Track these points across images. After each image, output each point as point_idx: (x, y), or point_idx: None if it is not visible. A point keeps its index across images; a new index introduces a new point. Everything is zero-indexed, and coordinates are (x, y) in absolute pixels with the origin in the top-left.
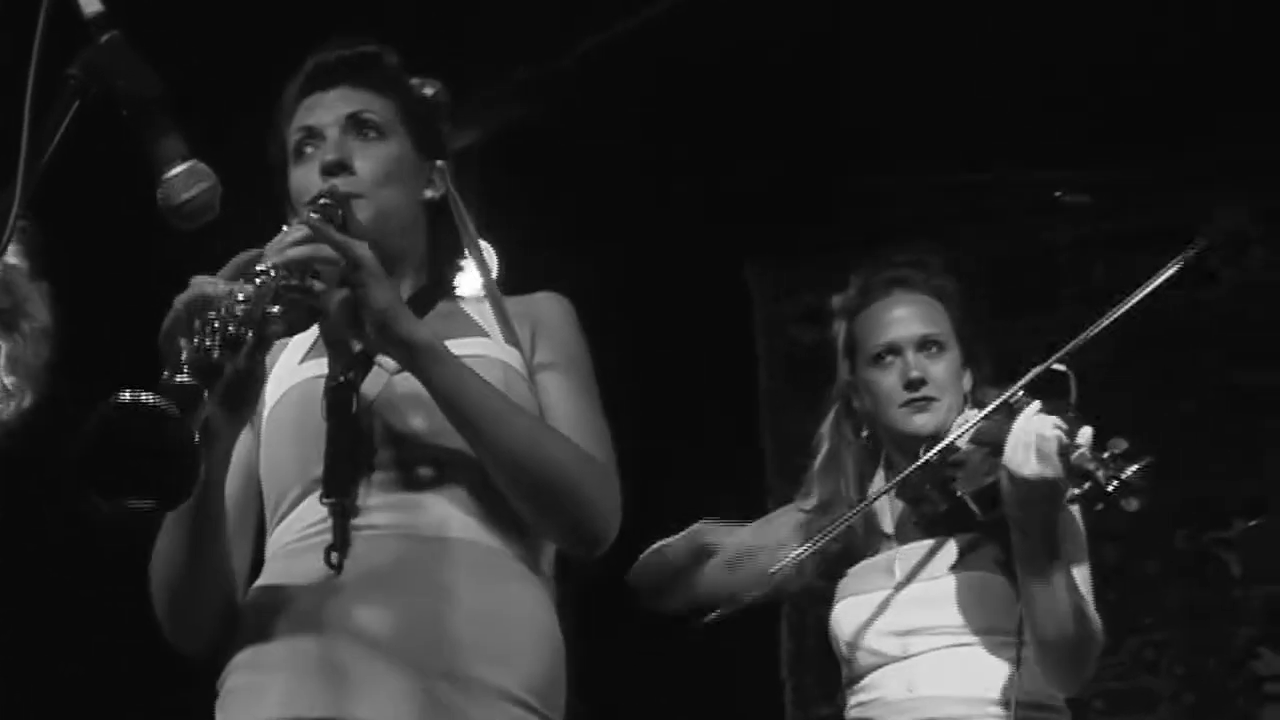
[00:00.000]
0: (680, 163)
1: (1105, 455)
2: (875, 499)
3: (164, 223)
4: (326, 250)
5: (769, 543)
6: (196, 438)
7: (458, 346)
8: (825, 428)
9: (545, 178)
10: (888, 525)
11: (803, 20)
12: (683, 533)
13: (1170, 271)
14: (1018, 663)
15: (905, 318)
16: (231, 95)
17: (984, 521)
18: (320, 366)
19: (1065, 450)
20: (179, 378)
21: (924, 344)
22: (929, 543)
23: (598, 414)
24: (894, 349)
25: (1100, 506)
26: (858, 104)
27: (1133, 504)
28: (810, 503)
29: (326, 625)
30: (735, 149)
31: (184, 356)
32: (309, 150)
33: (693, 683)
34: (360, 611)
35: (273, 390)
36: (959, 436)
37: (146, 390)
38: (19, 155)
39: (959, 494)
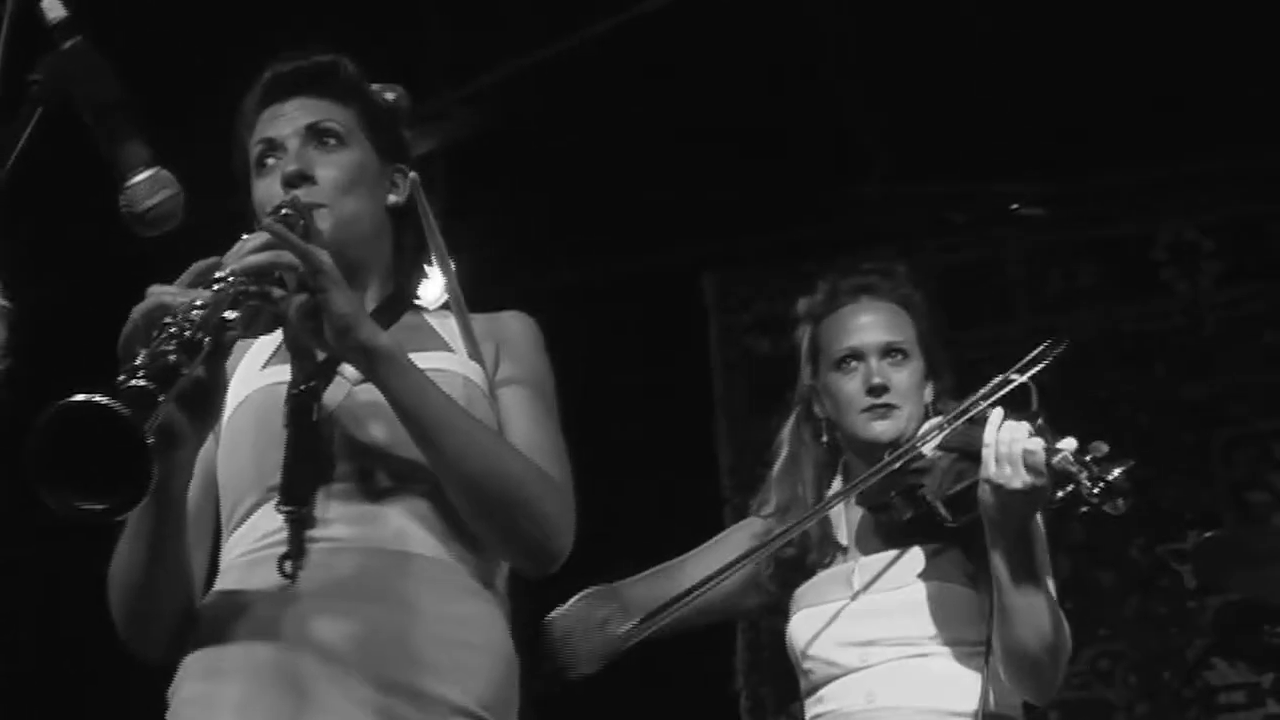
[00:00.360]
0: (638, 173)
1: (1088, 459)
2: (832, 503)
3: (127, 228)
4: (286, 256)
5: (689, 578)
6: (149, 442)
7: (420, 359)
8: (784, 433)
9: (503, 188)
10: (843, 536)
11: (765, 32)
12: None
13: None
14: (985, 674)
15: (870, 324)
16: (193, 101)
17: (953, 527)
18: (282, 373)
19: (1049, 455)
20: (134, 381)
21: (888, 351)
22: (890, 553)
23: (556, 433)
24: (858, 354)
25: (1085, 510)
26: (816, 116)
27: (1119, 505)
28: (768, 509)
29: (282, 635)
30: (693, 160)
31: (139, 361)
32: (270, 162)
33: (648, 694)
34: (315, 623)
35: (233, 395)
36: (925, 443)
37: (101, 393)
38: None
39: (928, 499)
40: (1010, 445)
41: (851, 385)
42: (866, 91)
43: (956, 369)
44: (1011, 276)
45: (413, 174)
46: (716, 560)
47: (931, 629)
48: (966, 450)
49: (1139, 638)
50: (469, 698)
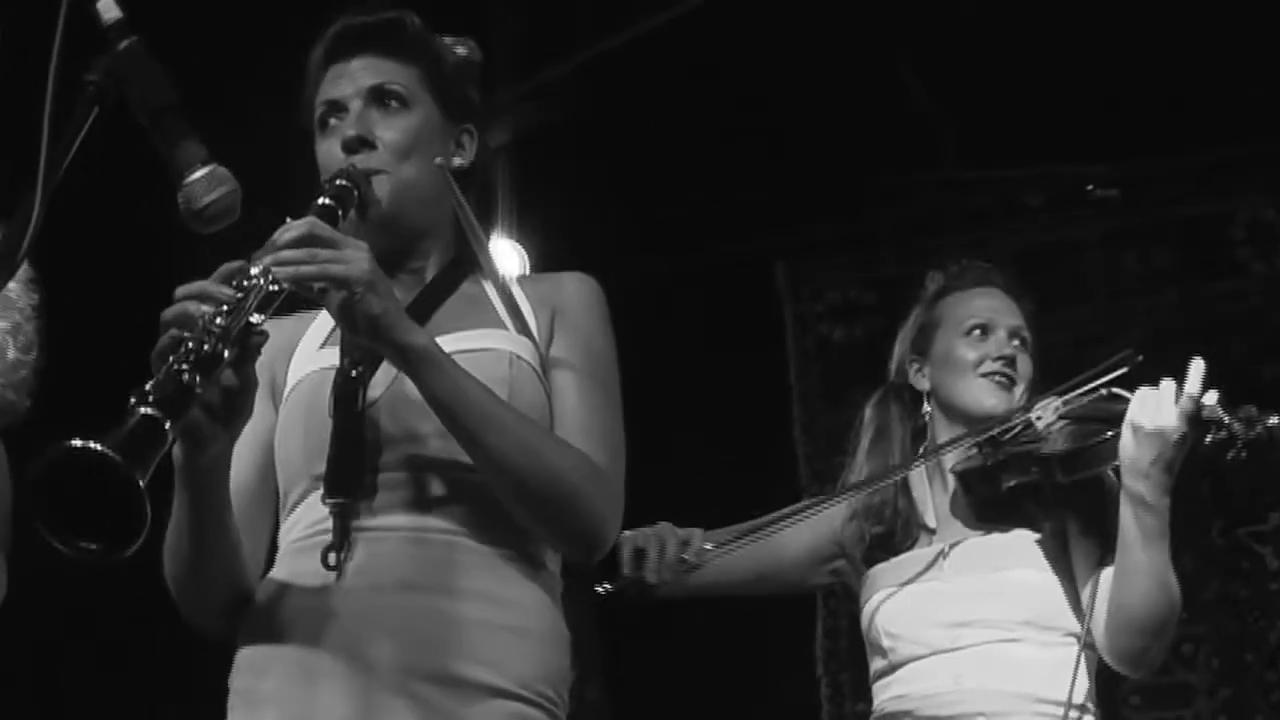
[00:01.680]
0: (709, 163)
1: (1238, 411)
2: (929, 458)
3: (184, 226)
4: (317, 259)
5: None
6: (142, 485)
7: (468, 338)
8: (869, 409)
9: (577, 178)
10: (930, 518)
11: (830, 18)
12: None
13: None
14: (1077, 662)
15: (1003, 308)
16: (250, 99)
17: (1064, 485)
18: (334, 355)
19: (1198, 404)
20: (144, 409)
21: (1015, 334)
22: (983, 536)
23: (610, 414)
24: (988, 327)
25: (1238, 452)
26: (887, 101)
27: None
28: (857, 479)
29: (324, 627)
30: (764, 149)
31: (150, 384)
32: (332, 123)
33: (729, 680)
34: (358, 613)
35: (293, 373)
36: (1035, 415)
37: (95, 437)
38: (39, 161)
39: (1043, 454)
40: (1154, 395)
41: (977, 351)
42: (937, 75)
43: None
44: (1087, 259)
45: (438, 161)
46: (806, 527)
47: (1023, 614)
48: (1095, 416)
49: (1220, 621)
50: (510, 680)
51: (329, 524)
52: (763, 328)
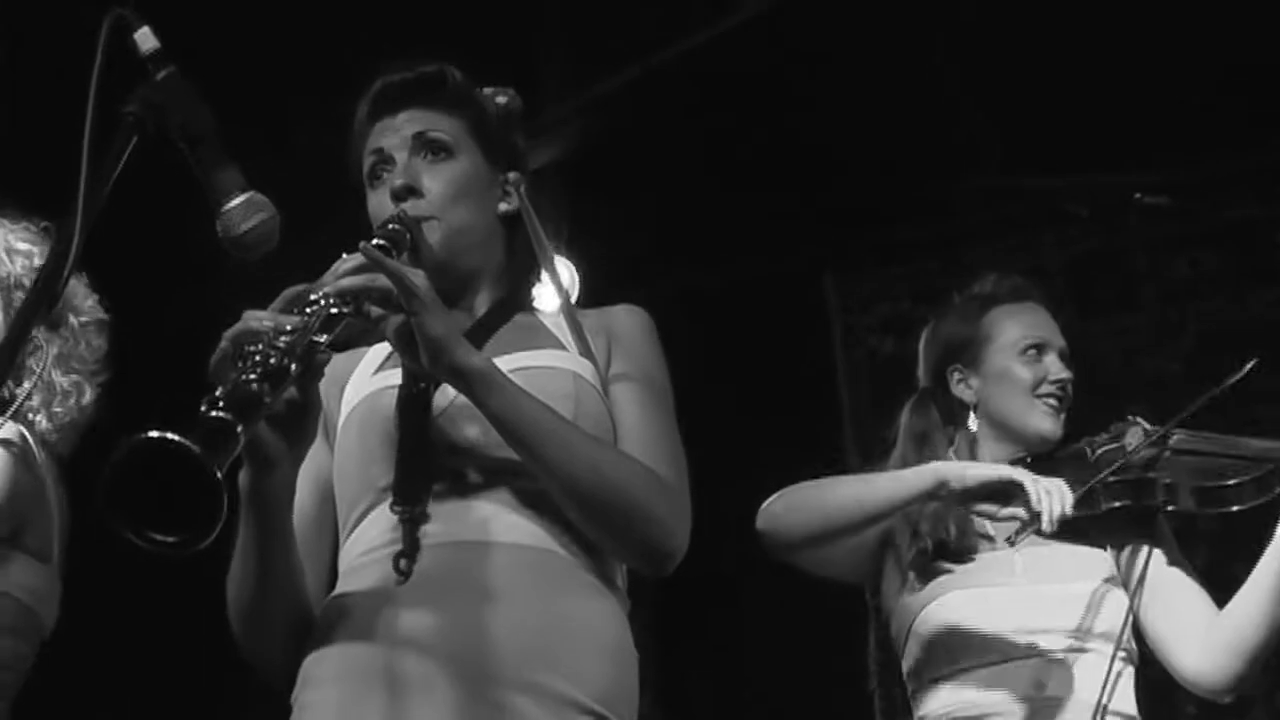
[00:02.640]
0: (756, 177)
1: None
2: (1136, 451)
3: (224, 253)
4: (380, 280)
5: None
6: (220, 475)
7: (531, 357)
8: (910, 413)
9: (624, 194)
10: (988, 527)
11: (875, 31)
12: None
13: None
14: (1111, 671)
15: (1052, 326)
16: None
17: (1168, 513)
18: (392, 378)
19: None
20: (214, 412)
21: (1063, 354)
22: (1050, 546)
23: (670, 429)
24: (1044, 347)
25: None
26: (932, 113)
27: None
28: None
29: (389, 636)
30: (810, 162)
31: (220, 391)
32: (382, 175)
33: (781, 694)
34: (424, 621)
35: (347, 402)
36: (1133, 448)
37: (176, 428)
38: (79, 190)
39: (1171, 485)
40: None
41: (1033, 372)
42: (981, 84)
43: (1083, 360)
44: (1136, 265)
45: (513, 174)
46: None
47: (1090, 625)
48: (1229, 453)
49: None
50: (578, 688)
51: (396, 534)
52: (812, 341)
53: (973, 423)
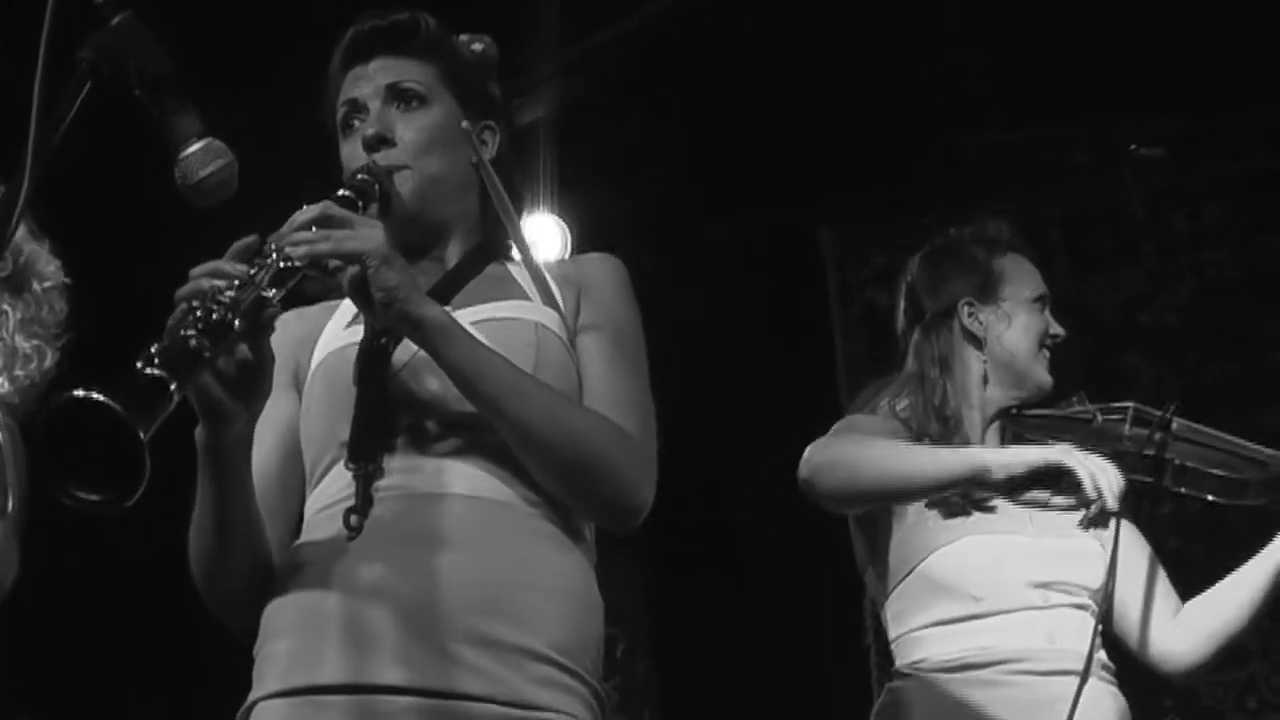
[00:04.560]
0: (753, 130)
1: None
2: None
3: (182, 201)
4: (333, 237)
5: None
6: (144, 434)
7: (494, 309)
8: (925, 335)
9: (617, 149)
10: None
11: None
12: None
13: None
14: (1097, 625)
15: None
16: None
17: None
18: (360, 333)
19: None
20: (148, 369)
21: (1053, 313)
22: (1054, 501)
23: (637, 382)
24: (1046, 301)
25: None
26: (927, 65)
27: None
28: (921, 415)
29: (344, 589)
30: (807, 115)
31: (156, 347)
32: (354, 124)
33: (780, 647)
34: (378, 574)
35: (316, 356)
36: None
37: (104, 387)
38: (29, 138)
39: (1189, 466)
40: None
41: (1040, 324)
42: (979, 35)
43: (1079, 314)
44: (1133, 218)
45: (464, 124)
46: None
47: (1089, 581)
48: (1235, 451)
49: None
50: (535, 638)
51: (351, 490)
52: (807, 295)
53: (981, 359)
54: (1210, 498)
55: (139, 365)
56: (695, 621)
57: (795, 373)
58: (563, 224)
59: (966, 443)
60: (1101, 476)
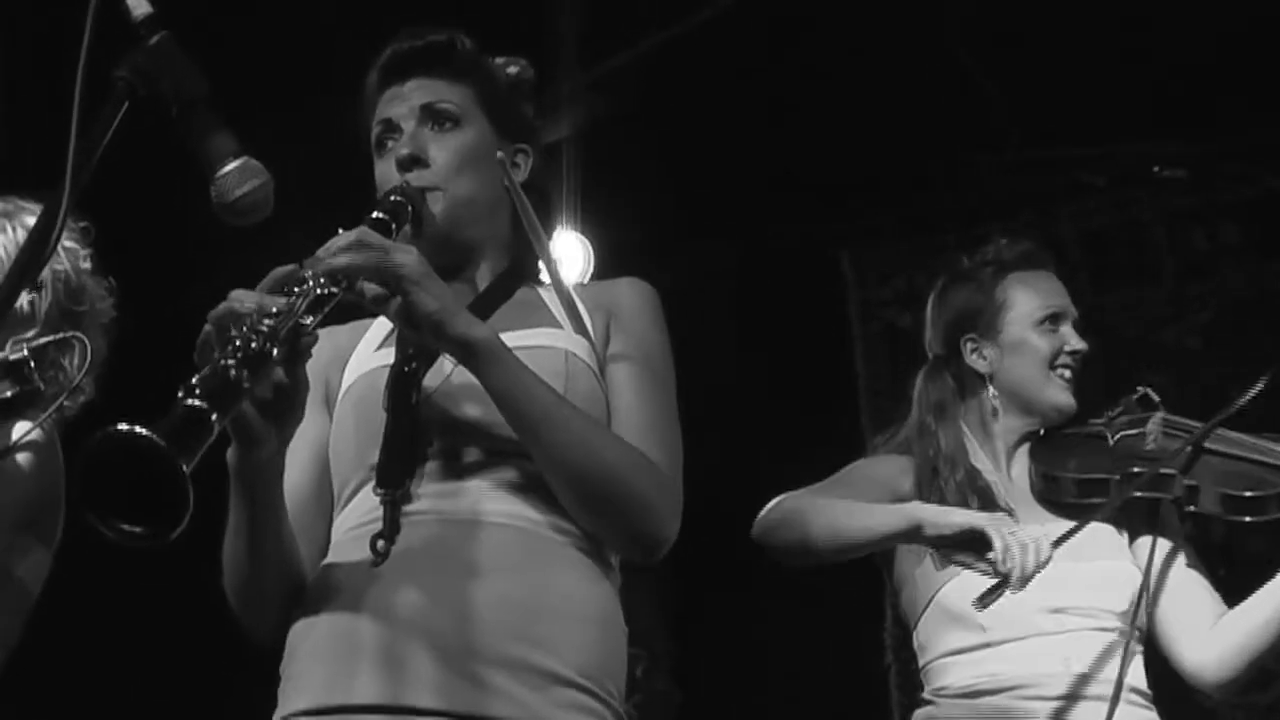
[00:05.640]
0: (773, 151)
1: None
2: (1212, 429)
3: (219, 221)
4: (370, 259)
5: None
6: (188, 468)
7: (524, 336)
8: (925, 382)
9: (641, 168)
10: (1003, 501)
11: (890, 3)
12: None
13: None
14: (1129, 649)
15: (1064, 294)
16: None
17: (1191, 513)
18: (390, 356)
19: None
20: (190, 400)
21: (1077, 325)
22: (1066, 524)
23: (666, 412)
24: (1059, 318)
25: None
26: (946, 84)
27: None
28: (924, 455)
29: (371, 611)
30: (826, 135)
31: (197, 378)
32: (388, 144)
33: (795, 669)
34: (404, 597)
35: (347, 377)
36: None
37: (146, 421)
38: (68, 159)
39: (1191, 485)
40: None
41: (1050, 344)
42: (996, 56)
43: (1098, 331)
44: (1153, 238)
45: (500, 153)
46: (878, 492)
47: (1110, 604)
48: (1264, 460)
49: None
50: (560, 662)
51: (380, 513)
52: (827, 315)
53: (991, 394)
54: (1235, 517)
55: (180, 395)
56: (714, 640)
57: (815, 390)
58: (586, 242)
59: (972, 484)
60: (1017, 553)
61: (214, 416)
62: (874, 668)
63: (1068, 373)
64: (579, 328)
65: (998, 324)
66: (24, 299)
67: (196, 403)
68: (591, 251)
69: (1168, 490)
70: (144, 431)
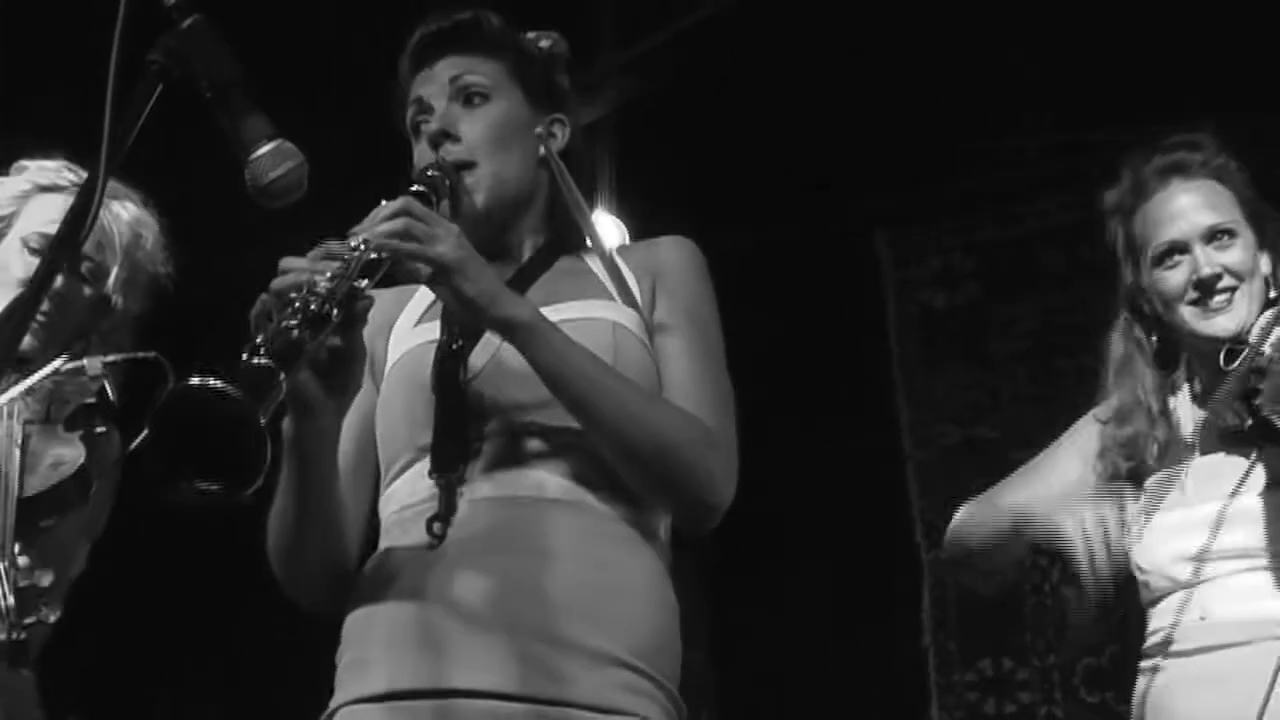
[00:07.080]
0: (809, 131)
1: None
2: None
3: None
4: (411, 249)
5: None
6: (263, 421)
7: (570, 308)
8: (1115, 335)
9: (675, 148)
10: (1189, 433)
11: None
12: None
13: None
14: None
15: (1188, 208)
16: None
17: None
18: (433, 330)
19: None
20: (255, 359)
21: (1212, 235)
22: (1223, 459)
23: (717, 375)
24: (1180, 247)
25: None
26: (985, 64)
27: None
28: (1107, 413)
29: (428, 595)
30: (863, 116)
31: (261, 338)
32: (423, 124)
33: (832, 647)
34: (461, 579)
35: (391, 350)
36: (1264, 338)
37: (219, 374)
38: (102, 142)
39: (1264, 415)
40: None
41: (1177, 280)
42: (1035, 34)
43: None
44: None
45: (538, 129)
46: (1075, 461)
47: (1264, 540)
48: None
49: None
50: (616, 643)
51: (433, 495)
52: (863, 295)
53: (1157, 335)
54: None
55: (245, 357)
56: (752, 619)
57: (851, 370)
58: (620, 224)
59: (1158, 433)
60: None
61: (281, 375)
62: (913, 646)
63: (1208, 299)
64: (626, 297)
65: (1139, 270)
66: (116, 299)
67: (265, 361)
68: (627, 233)
69: (1247, 415)
70: (221, 384)
